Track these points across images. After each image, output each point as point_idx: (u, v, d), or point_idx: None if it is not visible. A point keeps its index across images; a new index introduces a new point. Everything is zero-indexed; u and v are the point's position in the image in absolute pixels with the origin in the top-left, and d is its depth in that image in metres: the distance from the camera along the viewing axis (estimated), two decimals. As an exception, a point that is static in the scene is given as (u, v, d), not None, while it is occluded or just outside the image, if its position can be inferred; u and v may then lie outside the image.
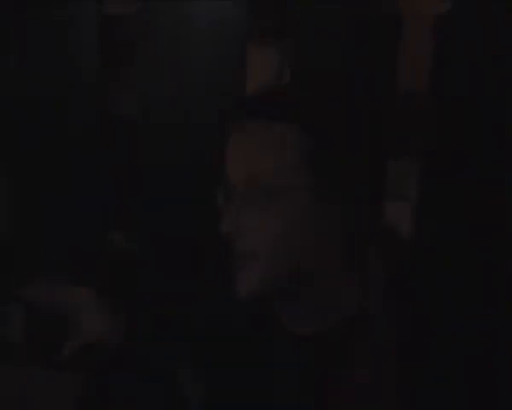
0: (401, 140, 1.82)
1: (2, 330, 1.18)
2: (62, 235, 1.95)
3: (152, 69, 1.90)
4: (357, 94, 1.09)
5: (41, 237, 1.95)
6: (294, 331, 1.07)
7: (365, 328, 1.04)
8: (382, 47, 1.79)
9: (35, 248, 1.94)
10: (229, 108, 1.07)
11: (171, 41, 1.89)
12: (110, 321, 1.15)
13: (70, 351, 1.14)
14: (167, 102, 1.91)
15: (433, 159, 1.82)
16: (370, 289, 1.06)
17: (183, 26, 1.88)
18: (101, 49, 1.89)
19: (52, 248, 1.93)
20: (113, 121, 1.92)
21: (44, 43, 1.91)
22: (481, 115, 1.77)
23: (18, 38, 1.90)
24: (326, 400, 1.05)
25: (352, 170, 1.02)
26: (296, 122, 0.99)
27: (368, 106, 1.09)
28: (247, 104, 1.04)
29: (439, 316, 1.04)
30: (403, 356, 1.02)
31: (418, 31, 1.76)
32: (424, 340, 1.02)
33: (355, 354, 1.04)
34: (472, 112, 1.77)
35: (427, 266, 1.14)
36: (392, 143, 1.82)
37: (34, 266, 1.86)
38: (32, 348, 1.19)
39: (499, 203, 1.79)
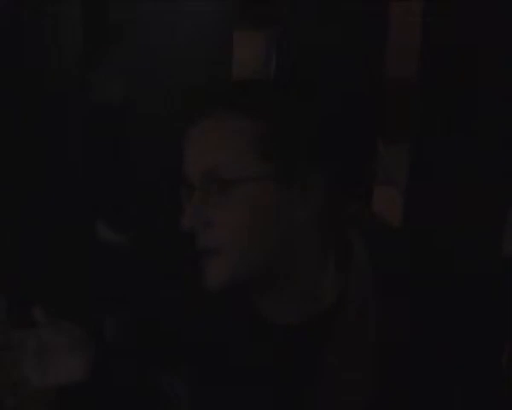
0: (389, 126, 1.81)
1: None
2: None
3: (138, 56, 1.89)
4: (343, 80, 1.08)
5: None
6: (273, 322, 1.07)
7: (346, 314, 1.04)
8: (370, 33, 1.78)
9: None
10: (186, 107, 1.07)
11: (158, 26, 1.88)
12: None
13: None
14: (152, 89, 1.90)
15: (421, 144, 1.81)
16: (352, 274, 1.05)
17: (169, 12, 1.87)
18: (86, 35, 1.87)
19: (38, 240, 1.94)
20: (100, 110, 1.90)
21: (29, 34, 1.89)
22: (470, 100, 1.75)
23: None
24: (305, 387, 1.05)
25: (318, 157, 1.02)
26: (249, 113, 0.99)
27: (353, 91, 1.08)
28: (203, 99, 1.04)
29: (424, 301, 1.03)
30: (385, 342, 1.02)
31: (406, 17, 1.75)
32: (407, 326, 1.02)
33: (335, 340, 1.04)
34: (460, 96, 1.76)
35: (415, 252, 1.12)
36: (381, 129, 1.81)
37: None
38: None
39: (489, 187, 1.78)
